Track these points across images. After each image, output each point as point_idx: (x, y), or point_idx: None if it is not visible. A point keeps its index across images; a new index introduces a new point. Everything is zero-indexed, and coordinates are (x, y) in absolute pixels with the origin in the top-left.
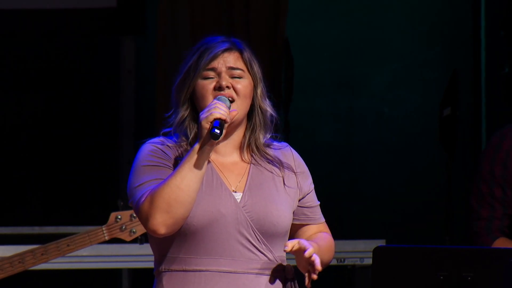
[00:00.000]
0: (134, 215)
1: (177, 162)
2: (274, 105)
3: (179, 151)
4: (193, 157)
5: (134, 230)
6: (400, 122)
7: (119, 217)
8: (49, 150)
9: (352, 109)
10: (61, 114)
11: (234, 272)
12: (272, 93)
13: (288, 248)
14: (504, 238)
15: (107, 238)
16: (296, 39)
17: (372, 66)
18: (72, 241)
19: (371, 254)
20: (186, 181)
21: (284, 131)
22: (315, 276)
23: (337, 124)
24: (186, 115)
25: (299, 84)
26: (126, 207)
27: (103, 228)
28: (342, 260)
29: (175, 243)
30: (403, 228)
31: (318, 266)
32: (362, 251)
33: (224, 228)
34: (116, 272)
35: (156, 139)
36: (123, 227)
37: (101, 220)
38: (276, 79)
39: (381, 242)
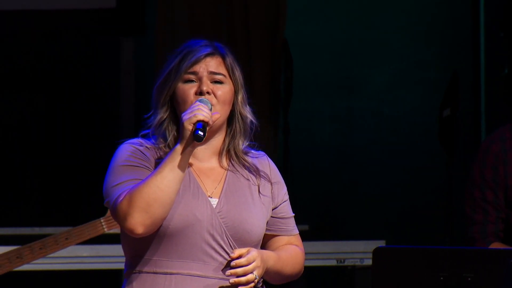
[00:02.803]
0: None
1: (156, 163)
2: (254, 112)
3: (158, 153)
4: (174, 157)
5: None
6: (399, 123)
7: None
8: (49, 151)
9: (351, 109)
10: (61, 115)
11: (205, 277)
12: (272, 94)
13: (235, 255)
14: (498, 243)
15: (106, 230)
16: (295, 40)
17: (371, 66)
18: (71, 234)
19: (371, 255)
20: (166, 181)
21: (284, 132)
22: (231, 280)
23: (336, 124)
24: (165, 117)
25: (298, 85)
26: None
27: (102, 220)
28: (342, 261)
29: (148, 245)
30: (403, 228)
31: (233, 277)
32: (362, 252)
33: (198, 233)
34: (117, 273)
35: (134, 140)
36: None
37: None
38: (276, 80)
39: (381, 243)
